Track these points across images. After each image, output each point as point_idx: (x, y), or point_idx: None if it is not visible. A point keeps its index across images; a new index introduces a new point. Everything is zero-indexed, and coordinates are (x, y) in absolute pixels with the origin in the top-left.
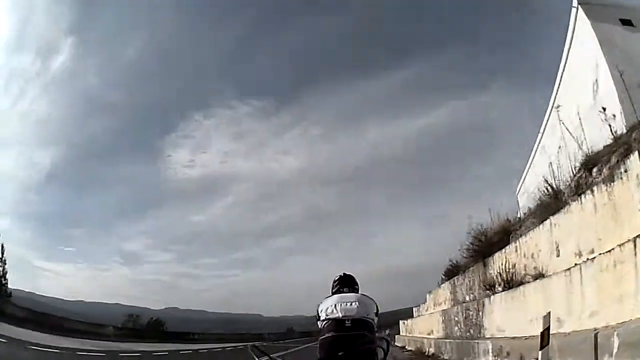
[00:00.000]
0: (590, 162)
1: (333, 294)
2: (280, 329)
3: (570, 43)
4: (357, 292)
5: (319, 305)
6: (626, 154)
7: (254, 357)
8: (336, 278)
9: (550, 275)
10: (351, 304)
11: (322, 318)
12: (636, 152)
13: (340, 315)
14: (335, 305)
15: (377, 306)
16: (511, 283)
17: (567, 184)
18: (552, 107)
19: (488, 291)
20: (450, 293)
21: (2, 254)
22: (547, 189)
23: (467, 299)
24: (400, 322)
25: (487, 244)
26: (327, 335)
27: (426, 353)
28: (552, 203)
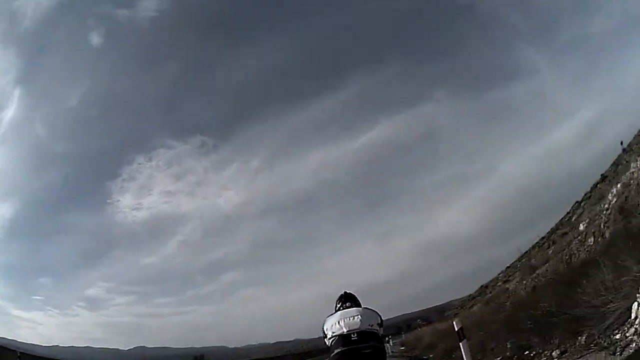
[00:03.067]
0: None
1: (337, 311)
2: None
3: None
4: (360, 307)
5: (323, 323)
6: None
7: None
8: (339, 297)
9: None
10: (354, 318)
11: (328, 336)
12: None
13: (345, 330)
14: (338, 321)
15: (380, 316)
16: None
17: None
18: None
19: None
20: None
21: None
22: None
23: None
24: None
25: None
26: (336, 351)
27: None
28: None
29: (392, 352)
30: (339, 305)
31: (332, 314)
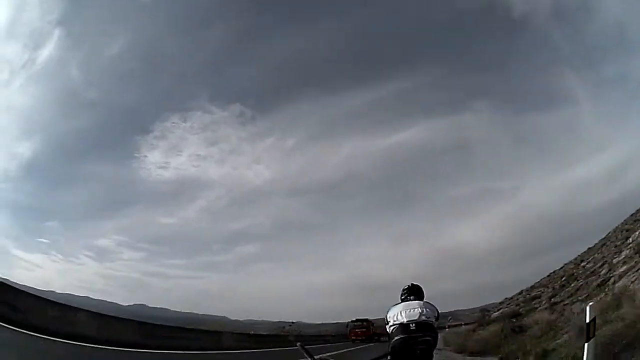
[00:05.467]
0: None
1: (402, 301)
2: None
3: None
4: (422, 300)
5: (387, 312)
6: None
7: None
8: (405, 287)
9: None
10: (414, 310)
11: (390, 323)
12: None
13: (405, 321)
14: (400, 312)
15: (438, 311)
16: None
17: None
18: None
19: None
20: None
21: None
22: None
23: None
24: None
25: None
26: (396, 338)
27: None
28: None
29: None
30: (405, 296)
31: (396, 304)
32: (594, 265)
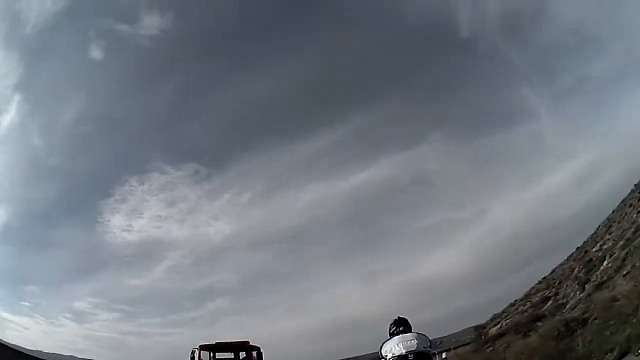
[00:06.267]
0: None
1: (391, 334)
2: None
3: None
4: (411, 331)
5: (381, 347)
6: None
7: None
8: (393, 321)
9: None
10: (411, 341)
11: (388, 357)
12: None
13: (404, 352)
14: (397, 344)
15: (430, 340)
16: None
17: None
18: None
19: None
20: None
21: None
22: None
23: None
24: None
25: None
26: None
27: None
28: None
29: None
30: (393, 329)
31: (389, 339)
32: (616, 242)
